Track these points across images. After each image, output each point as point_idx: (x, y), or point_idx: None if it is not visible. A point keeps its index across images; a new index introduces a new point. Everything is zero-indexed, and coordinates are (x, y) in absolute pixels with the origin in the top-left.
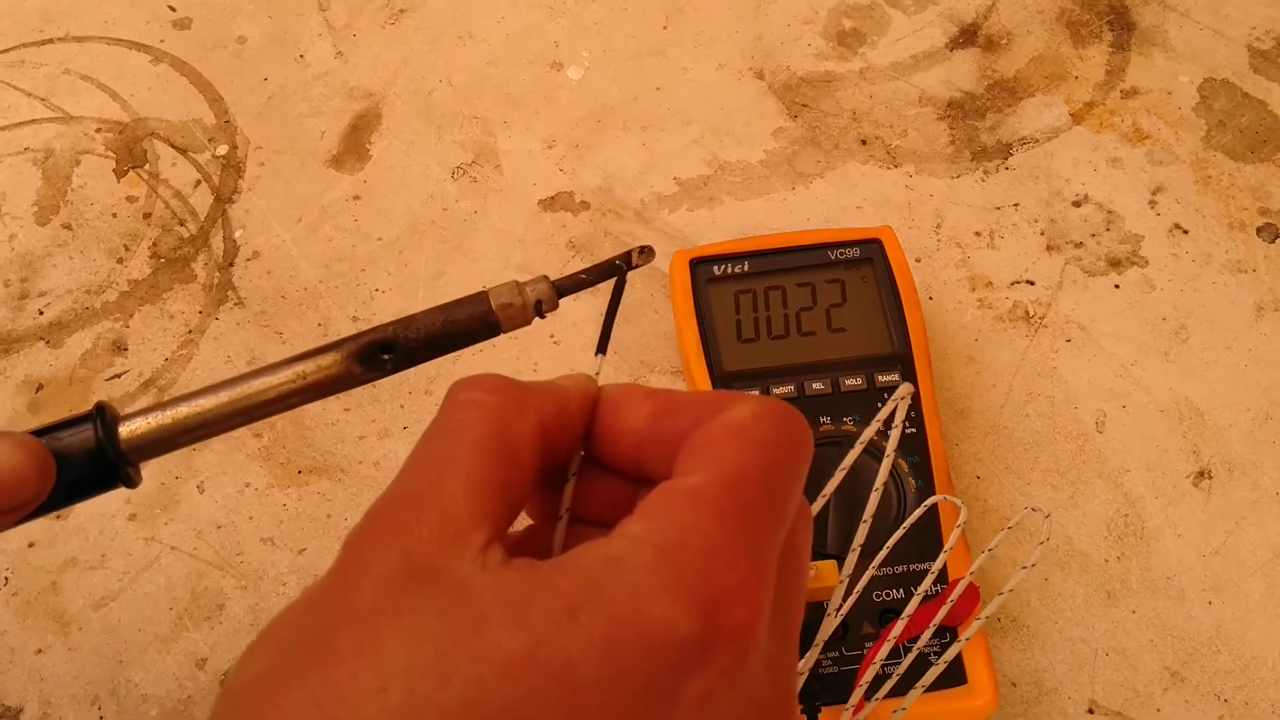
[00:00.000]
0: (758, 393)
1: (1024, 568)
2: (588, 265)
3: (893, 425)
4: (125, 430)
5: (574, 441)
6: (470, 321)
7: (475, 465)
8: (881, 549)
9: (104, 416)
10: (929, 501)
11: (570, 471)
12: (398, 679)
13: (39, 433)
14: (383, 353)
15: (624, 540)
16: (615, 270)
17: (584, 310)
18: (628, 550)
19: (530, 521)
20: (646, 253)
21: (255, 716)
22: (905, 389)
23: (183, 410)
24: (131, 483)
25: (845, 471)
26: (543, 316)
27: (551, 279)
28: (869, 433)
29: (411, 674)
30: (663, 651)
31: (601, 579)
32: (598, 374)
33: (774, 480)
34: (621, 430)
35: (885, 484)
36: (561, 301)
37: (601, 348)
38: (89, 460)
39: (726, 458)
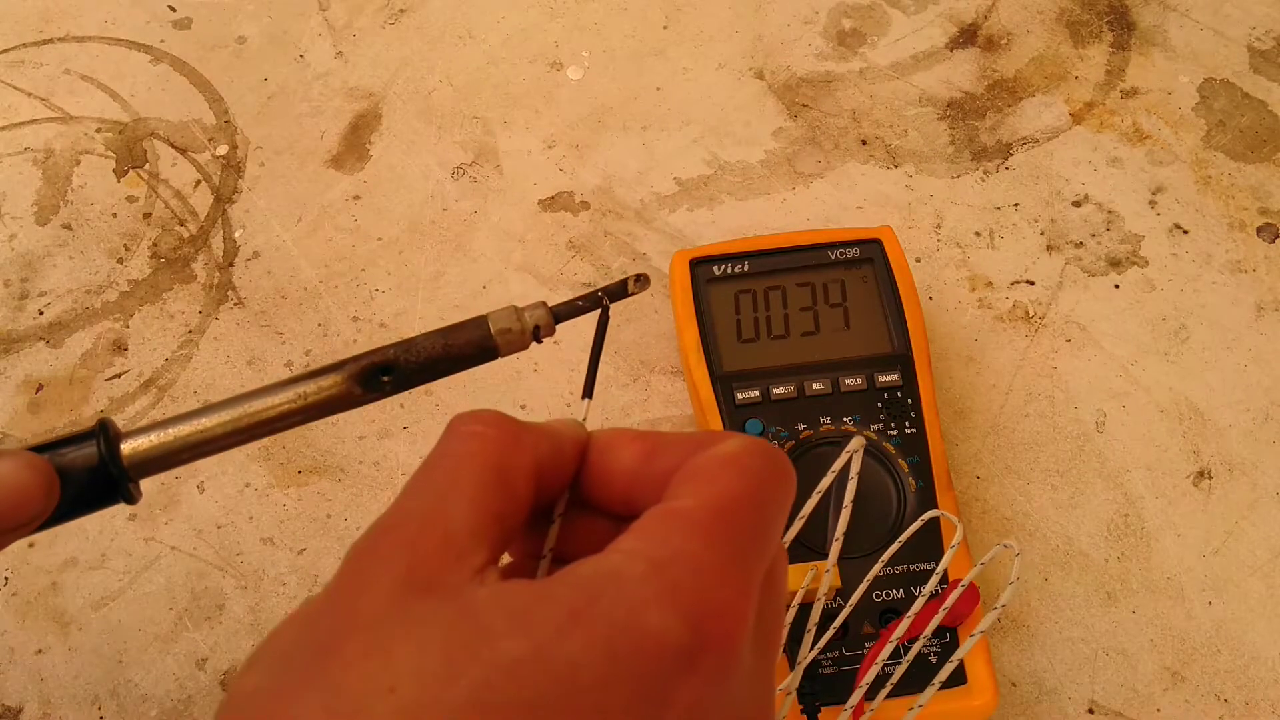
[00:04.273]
0: (757, 394)
1: (994, 608)
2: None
3: (850, 476)
4: (127, 447)
5: (564, 482)
6: (469, 346)
7: (476, 492)
8: (881, 549)
9: (107, 433)
10: (925, 516)
11: (556, 512)
12: (407, 679)
13: (42, 448)
14: (382, 374)
15: (619, 555)
16: (603, 300)
17: (597, 313)
18: (622, 564)
19: (510, 560)
20: (642, 281)
21: None
22: (858, 442)
23: (184, 428)
24: (132, 499)
25: (820, 494)
26: (539, 341)
27: (549, 304)
28: (826, 482)
29: (421, 674)
30: (657, 658)
31: (599, 589)
32: (584, 419)
33: (760, 508)
34: (613, 471)
35: (889, 488)
36: (578, 294)
37: (587, 391)
38: (91, 477)
39: (717, 484)
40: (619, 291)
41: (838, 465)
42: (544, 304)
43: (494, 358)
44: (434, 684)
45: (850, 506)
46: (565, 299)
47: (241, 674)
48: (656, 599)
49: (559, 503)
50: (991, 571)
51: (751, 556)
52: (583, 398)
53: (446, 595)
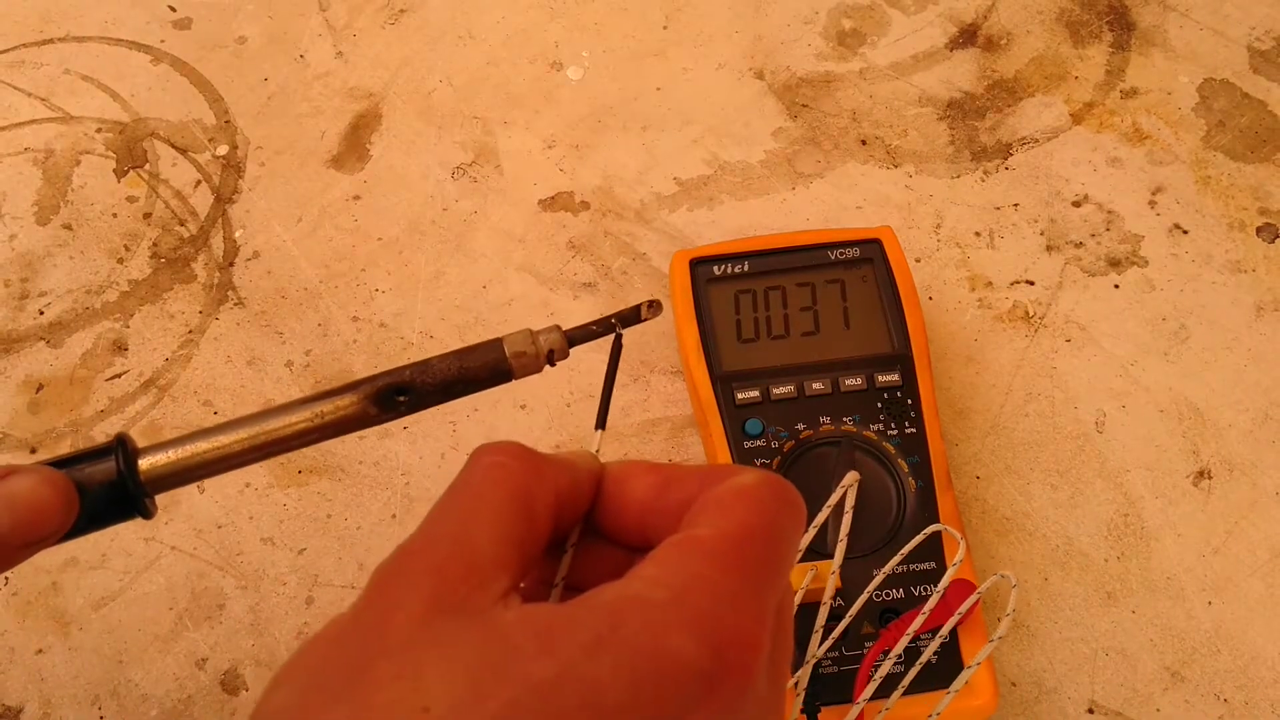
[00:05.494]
0: (757, 394)
1: (992, 640)
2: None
3: (844, 510)
4: (145, 463)
5: (579, 513)
6: (484, 369)
7: (499, 520)
8: (880, 549)
9: (125, 449)
10: (927, 531)
11: (570, 542)
12: (439, 700)
13: (61, 463)
14: (398, 395)
15: (640, 581)
16: (616, 327)
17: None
18: (644, 590)
19: (523, 587)
20: (654, 307)
21: None
22: (852, 477)
23: (201, 445)
24: (148, 514)
25: (837, 498)
26: (553, 365)
27: (564, 329)
28: (821, 517)
29: (452, 695)
30: (679, 683)
31: (622, 614)
32: (598, 450)
33: (775, 539)
34: (628, 501)
35: (888, 488)
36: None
37: (600, 422)
38: (109, 492)
39: (733, 516)
40: (632, 317)
41: (832, 501)
42: (559, 328)
43: (508, 380)
44: (465, 705)
45: (845, 540)
46: (577, 321)
47: (268, 693)
48: (679, 625)
49: (572, 533)
50: (989, 570)
51: (767, 586)
52: (596, 428)
53: (474, 617)
